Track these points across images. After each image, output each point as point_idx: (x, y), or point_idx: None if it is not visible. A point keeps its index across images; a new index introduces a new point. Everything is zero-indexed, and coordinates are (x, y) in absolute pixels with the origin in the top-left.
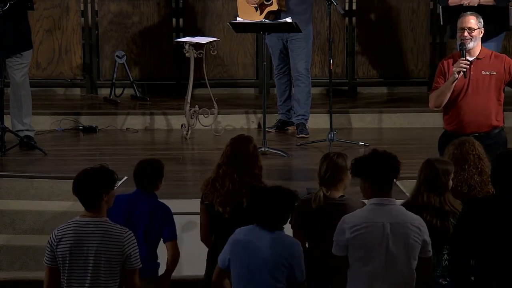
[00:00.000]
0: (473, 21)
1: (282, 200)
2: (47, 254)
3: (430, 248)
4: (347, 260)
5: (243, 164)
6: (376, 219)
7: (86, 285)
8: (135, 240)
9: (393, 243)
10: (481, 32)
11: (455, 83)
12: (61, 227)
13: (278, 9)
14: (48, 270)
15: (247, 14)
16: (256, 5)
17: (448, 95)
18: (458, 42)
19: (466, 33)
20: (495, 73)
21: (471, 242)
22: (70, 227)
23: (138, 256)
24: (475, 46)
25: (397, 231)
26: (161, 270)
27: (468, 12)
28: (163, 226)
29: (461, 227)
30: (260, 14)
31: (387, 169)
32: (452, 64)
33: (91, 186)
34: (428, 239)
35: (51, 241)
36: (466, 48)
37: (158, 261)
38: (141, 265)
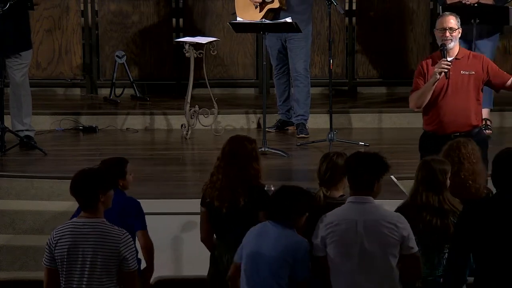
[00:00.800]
0: (453, 21)
1: (294, 197)
2: (46, 255)
3: (413, 245)
4: (326, 260)
5: (238, 162)
6: (349, 217)
7: (83, 286)
8: (132, 242)
9: (368, 241)
10: (459, 32)
11: (436, 83)
12: (59, 228)
13: (278, 7)
14: (47, 271)
15: (246, 11)
16: (258, 4)
17: (429, 95)
18: (439, 43)
19: (448, 34)
20: (473, 72)
21: (471, 243)
22: (67, 228)
23: (135, 258)
24: (454, 46)
25: (370, 228)
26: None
27: (448, 13)
28: (135, 220)
29: (460, 228)
30: (260, 11)
31: (364, 168)
32: (432, 65)
33: (88, 186)
34: (408, 235)
35: (50, 242)
36: (447, 49)
37: (138, 257)
38: (137, 267)
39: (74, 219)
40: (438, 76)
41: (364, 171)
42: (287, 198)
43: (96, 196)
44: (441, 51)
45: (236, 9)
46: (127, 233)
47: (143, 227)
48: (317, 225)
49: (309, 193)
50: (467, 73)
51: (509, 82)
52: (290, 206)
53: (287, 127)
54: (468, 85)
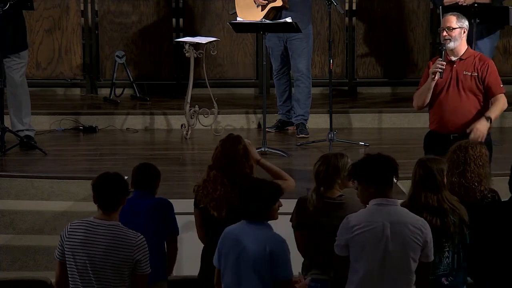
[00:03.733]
0: (453, 21)
1: (264, 191)
2: (58, 248)
3: (431, 254)
4: (348, 260)
5: (233, 167)
6: (376, 219)
7: (92, 285)
8: (146, 246)
9: (392, 243)
10: (463, 31)
11: (433, 83)
12: (74, 223)
13: (281, 5)
14: (59, 265)
15: (247, 10)
16: (264, 4)
17: (428, 95)
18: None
19: (445, 33)
20: (476, 74)
21: (487, 247)
22: (82, 225)
23: (148, 262)
24: (456, 46)
25: (396, 231)
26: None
27: (450, 13)
28: (168, 221)
29: (475, 232)
30: (262, 10)
31: (386, 170)
32: None
33: (115, 190)
34: (430, 242)
35: (63, 235)
36: (445, 49)
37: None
38: (150, 271)
39: (91, 218)
40: (433, 76)
41: (384, 173)
42: (252, 194)
43: (119, 200)
44: (440, 50)
45: (236, 7)
46: (142, 237)
47: (177, 231)
48: (341, 226)
49: (273, 183)
50: (469, 74)
51: (492, 100)
52: (258, 202)
53: (287, 127)
54: (471, 86)
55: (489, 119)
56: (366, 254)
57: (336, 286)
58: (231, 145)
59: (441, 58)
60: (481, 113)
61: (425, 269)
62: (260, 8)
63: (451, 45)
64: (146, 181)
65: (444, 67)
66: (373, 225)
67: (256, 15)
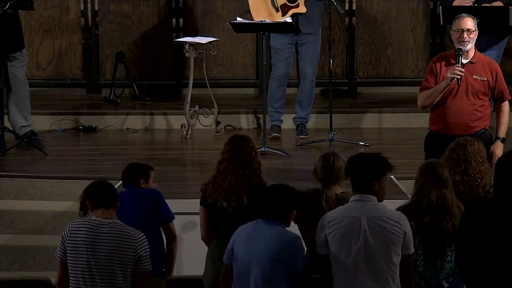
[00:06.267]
0: (470, 23)
1: (285, 194)
2: (60, 247)
3: (411, 246)
4: (329, 258)
5: (242, 158)
6: (353, 214)
7: (95, 284)
8: (147, 242)
9: (372, 237)
10: (476, 34)
11: (447, 87)
12: (75, 222)
13: (303, 12)
14: (61, 264)
15: (263, 12)
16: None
17: (438, 98)
18: (457, 46)
19: (465, 35)
20: (485, 79)
21: (473, 245)
22: (84, 224)
23: (149, 259)
24: (470, 49)
25: (374, 225)
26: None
27: (465, 14)
28: (160, 209)
29: (462, 231)
30: (283, 15)
31: (365, 168)
32: (446, 66)
33: (110, 186)
34: (409, 234)
35: (64, 235)
36: (462, 53)
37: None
38: (151, 268)
39: (93, 218)
40: (450, 82)
41: (363, 171)
42: (278, 195)
43: (116, 195)
44: (456, 55)
45: (251, 12)
46: (142, 234)
47: (171, 218)
48: (319, 223)
49: (296, 190)
50: (479, 78)
51: (497, 109)
52: (281, 203)
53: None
54: (479, 90)
55: (503, 140)
56: (347, 248)
57: (324, 286)
58: (240, 140)
59: (458, 63)
60: (485, 113)
61: (407, 261)
62: (280, 13)
63: (468, 47)
64: (134, 175)
65: (463, 74)
66: (350, 220)
67: (276, 19)
